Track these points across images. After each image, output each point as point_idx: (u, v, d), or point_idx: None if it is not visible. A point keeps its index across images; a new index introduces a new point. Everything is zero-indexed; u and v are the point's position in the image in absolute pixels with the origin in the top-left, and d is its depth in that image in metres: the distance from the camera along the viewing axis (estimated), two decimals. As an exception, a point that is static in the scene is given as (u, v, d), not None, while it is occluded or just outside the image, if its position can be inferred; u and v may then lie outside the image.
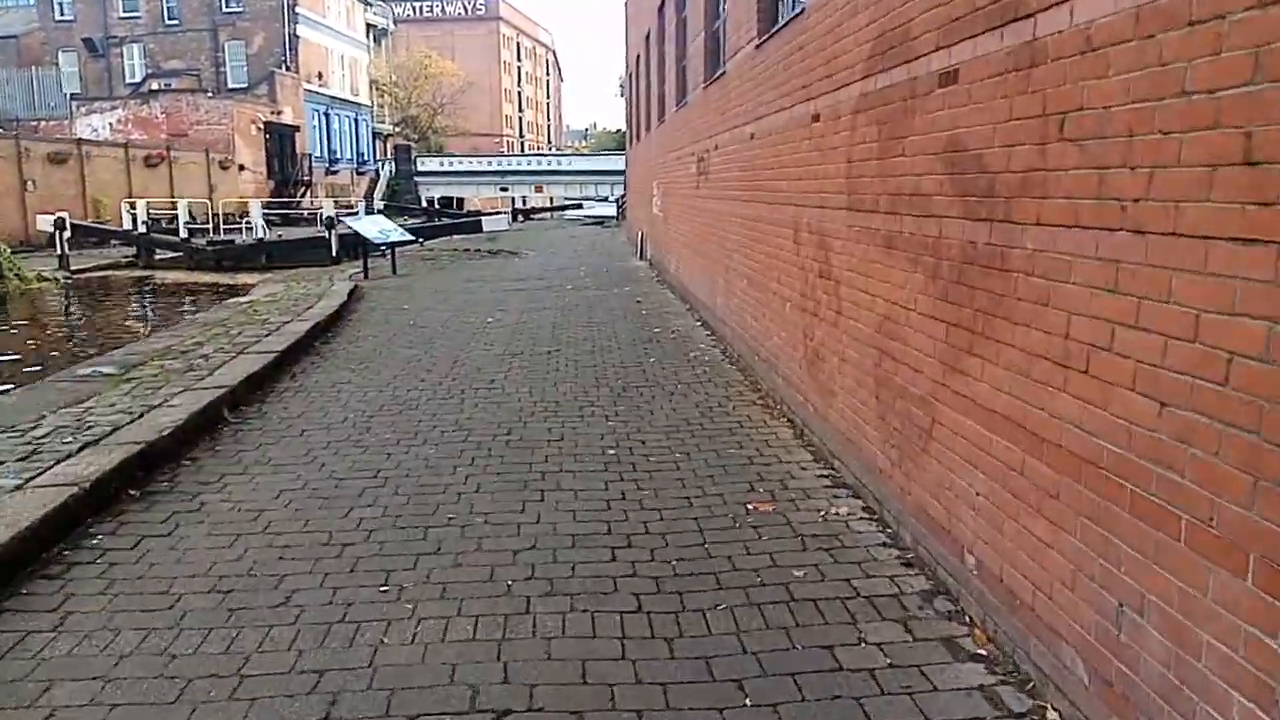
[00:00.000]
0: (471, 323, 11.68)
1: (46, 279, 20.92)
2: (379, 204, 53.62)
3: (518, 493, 5.20)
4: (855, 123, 5.04)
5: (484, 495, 5.16)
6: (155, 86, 45.34)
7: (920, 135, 4.08)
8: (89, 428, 5.92)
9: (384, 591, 3.95)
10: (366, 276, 17.86)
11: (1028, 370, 3.14)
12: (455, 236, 27.50)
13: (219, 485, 5.36)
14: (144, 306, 19.64)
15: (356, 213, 28.10)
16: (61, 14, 49.64)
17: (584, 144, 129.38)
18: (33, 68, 45.65)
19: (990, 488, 3.45)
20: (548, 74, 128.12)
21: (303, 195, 46.24)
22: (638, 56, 22.53)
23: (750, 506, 4.92)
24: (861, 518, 4.74)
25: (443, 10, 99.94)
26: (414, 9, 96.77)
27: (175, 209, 29.04)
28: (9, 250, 20.82)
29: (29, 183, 28.23)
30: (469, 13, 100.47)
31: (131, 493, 5.17)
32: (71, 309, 18.86)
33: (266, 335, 9.64)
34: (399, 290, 15.56)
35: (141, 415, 6.24)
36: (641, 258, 21.29)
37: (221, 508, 5.00)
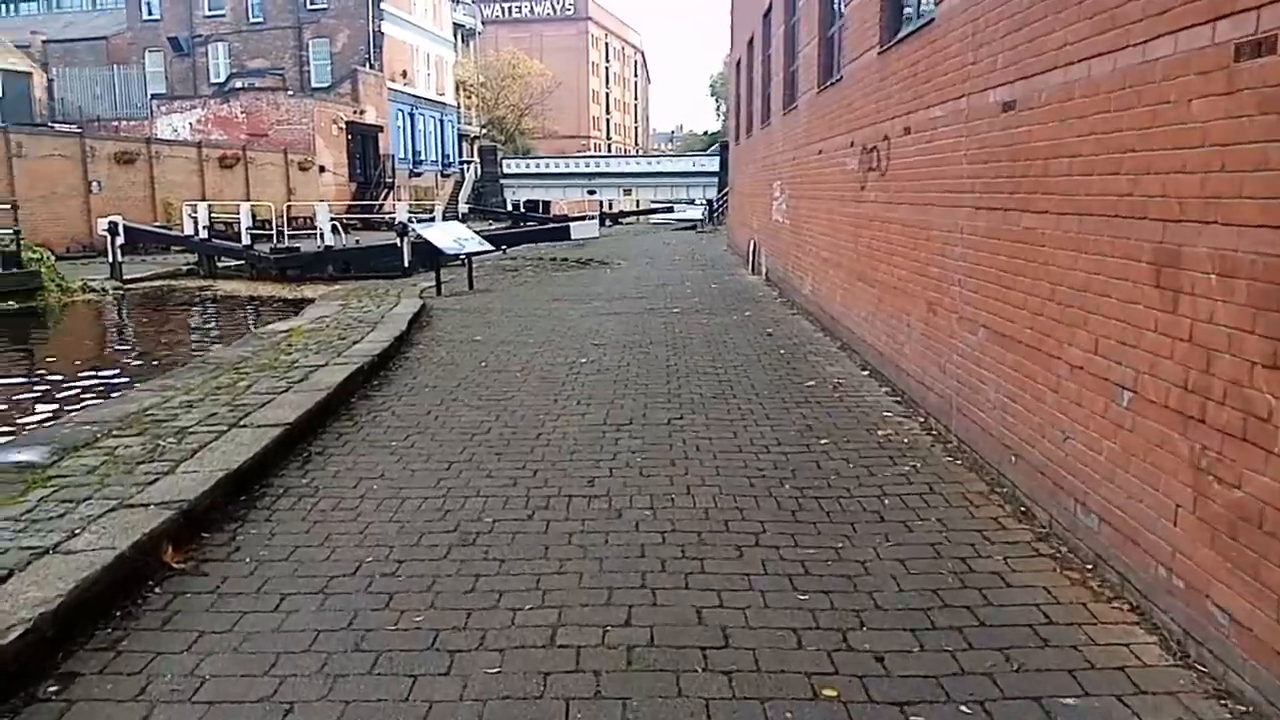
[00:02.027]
0: (559, 365, 8.96)
1: (93, 289, 19.02)
2: (463, 207, 51.90)
3: None
4: None
5: None
6: (239, 85, 44.11)
7: None
8: (-109, 615, 3.33)
9: None
10: (439, 293, 15.42)
11: None
12: (540, 244, 25.02)
13: (67, 782, 2.69)
14: (184, 326, 17.44)
15: (432, 217, 25.85)
16: (149, 13, 48.99)
17: (670, 146, 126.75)
18: (115, 67, 44.87)
19: None
20: (635, 75, 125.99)
21: (385, 198, 44.52)
22: (750, 39, 19.68)
23: None
24: None
25: (531, 11, 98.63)
26: (503, 10, 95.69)
27: (258, 212, 27.25)
28: (53, 257, 18.99)
29: (94, 183, 26.69)
30: (558, 13, 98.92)
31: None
32: (105, 327, 16.83)
33: (285, 390, 7.05)
34: (473, 313, 12.98)
35: (9, 575, 3.64)
36: (754, 271, 18.40)
37: None
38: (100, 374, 12.65)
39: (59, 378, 12.24)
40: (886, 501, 5.00)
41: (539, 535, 4.56)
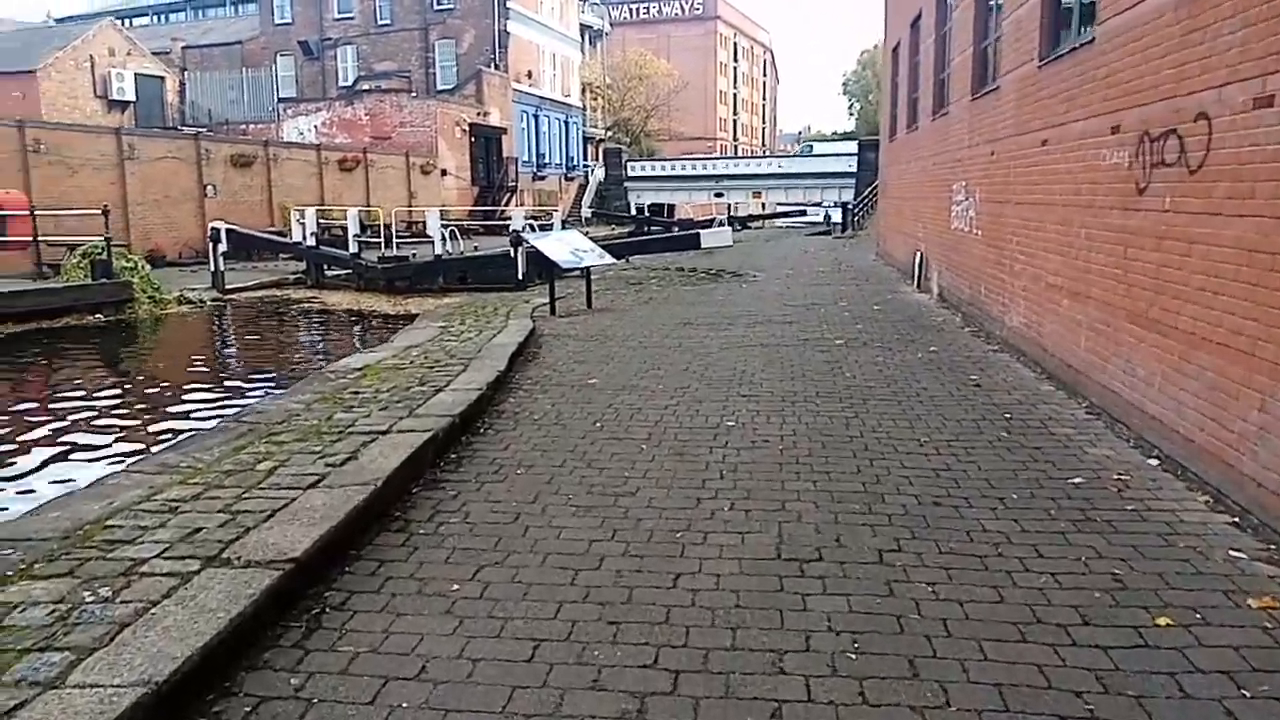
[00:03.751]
0: (699, 431, 6.63)
1: (189, 301, 17.76)
2: (586, 211, 50.34)
3: None
4: None
5: None
6: (364, 88, 43.62)
7: None
8: None
9: None
10: (553, 312, 13.37)
11: None
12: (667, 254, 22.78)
13: None
14: (268, 348, 15.64)
15: (550, 224, 23.94)
16: (281, 17, 49.26)
17: (797, 147, 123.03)
18: (243, 70, 45.00)
19: None
20: (764, 75, 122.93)
21: (508, 202, 43.25)
22: (915, 19, 16.97)
23: None
24: None
25: (659, 11, 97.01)
26: (630, 10, 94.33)
27: (372, 217, 25.98)
28: (149, 266, 17.83)
29: (209, 187, 25.85)
30: (686, 13, 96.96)
31: None
32: (183, 347, 15.31)
33: (315, 483, 4.94)
34: (590, 341, 10.78)
35: None
36: (920, 288, 15.67)
37: None
38: (156, 403, 11.03)
39: (108, 420, 10.68)
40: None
41: None
